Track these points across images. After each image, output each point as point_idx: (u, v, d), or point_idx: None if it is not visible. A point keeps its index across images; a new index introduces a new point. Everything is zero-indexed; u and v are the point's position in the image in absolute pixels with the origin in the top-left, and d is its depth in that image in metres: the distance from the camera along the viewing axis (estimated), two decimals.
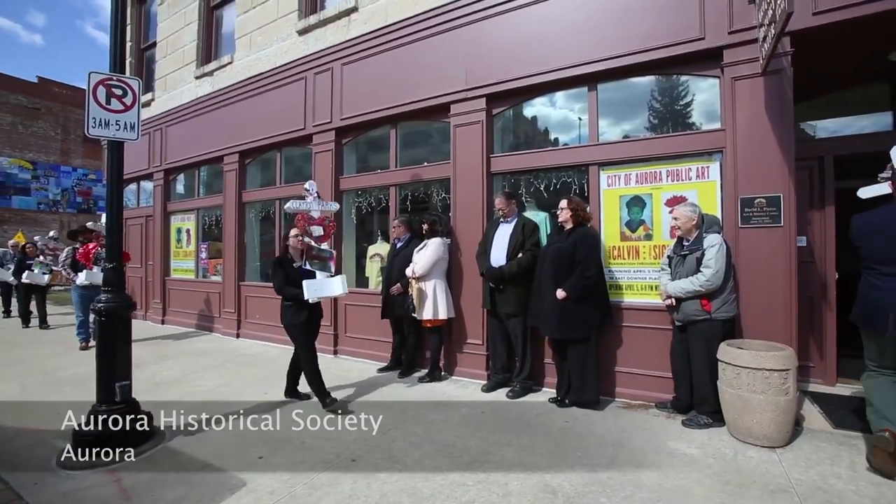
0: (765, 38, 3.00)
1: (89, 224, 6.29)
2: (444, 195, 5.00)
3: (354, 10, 5.54)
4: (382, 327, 5.06)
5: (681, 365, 3.48)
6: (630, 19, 3.90)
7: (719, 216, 3.60)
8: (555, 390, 3.95)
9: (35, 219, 23.70)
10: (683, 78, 3.99)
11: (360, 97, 5.43)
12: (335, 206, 4.57)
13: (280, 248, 3.96)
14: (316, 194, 4.22)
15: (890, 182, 2.75)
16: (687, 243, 3.42)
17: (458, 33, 4.72)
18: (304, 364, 3.79)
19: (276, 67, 6.29)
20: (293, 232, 3.92)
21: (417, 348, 4.76)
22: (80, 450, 2.83)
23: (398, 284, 4.56)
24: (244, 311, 6.86)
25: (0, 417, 3.57)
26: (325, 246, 4.14)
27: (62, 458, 2.82)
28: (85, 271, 5.92)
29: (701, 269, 3.25)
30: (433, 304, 4.32)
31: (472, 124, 4.62)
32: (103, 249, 5.65)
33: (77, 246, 6.26)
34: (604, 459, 2.80)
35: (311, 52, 5.90)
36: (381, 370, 4.84)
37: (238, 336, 6.83)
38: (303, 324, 3.74)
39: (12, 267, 8.76)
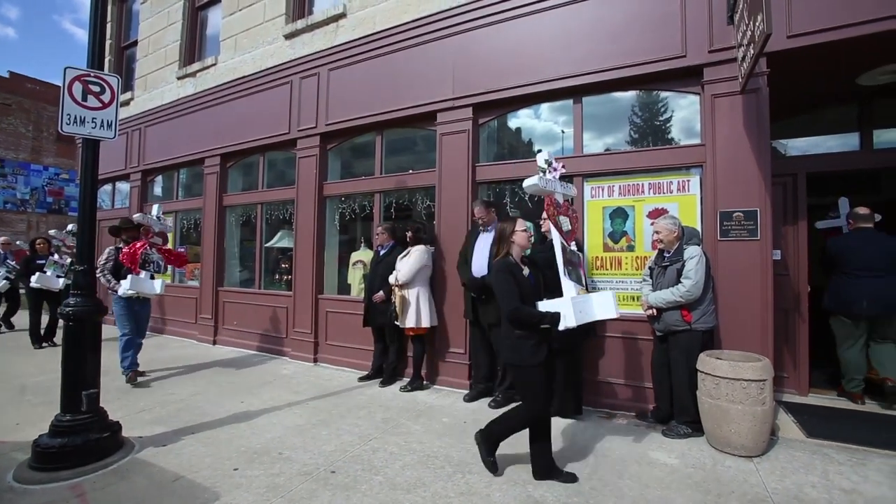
0: (743, 57, 3.11)
1: (136, 216, 4.95)
2: (428, 203, 4.99)
3: (343, 16, 5.53)
4: (364, 335, 4.99)
5: (661, 375, 3.52)
6: (616, 35, 3.99)
7: (699, 229, 3.68)
8: None
9: (1, 218, 22.76)
10: (665, 94, 4.09)
11: (347, 103, 5.40)
12: (574, 190, 3.58)
13: (502, 247, 2.74)
14: (561, 169, 2.96)
15: (847, 222, 4.23)
16: (668, 255, 3.48)
17: (446, 43, 4.76)
18: (531, 421, 2.64)
19: (262, 70, 6.22)
20: (520, 224, 2.72)
21: (399, 357, 4.70)
22: (40, 463, 2.69)
23: (381, 292, 4.51)
24: (222, 318, 6.68)
25: None
26: (574, 247, 3.03)
27: (21, 472, 2.67)
28: (130, 277, 4.59)
29: (681, 279, 3.31)
30: (416, 312, 4.28)
31: (459, 133, 4.64)
32: (153, 249, 4.85)
33: (120, 245, 4.94)
34: (586, 469, 2.79)
35: (297, 57, 5.86)
36: (362, 379, 4.76)
37: (215, 343, 6.64)
38: (544, 364, 2.59)
39: (2, 270, 7.38)
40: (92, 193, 3.14)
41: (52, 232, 7.13)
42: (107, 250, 4.96)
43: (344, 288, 5.73)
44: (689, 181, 3.85)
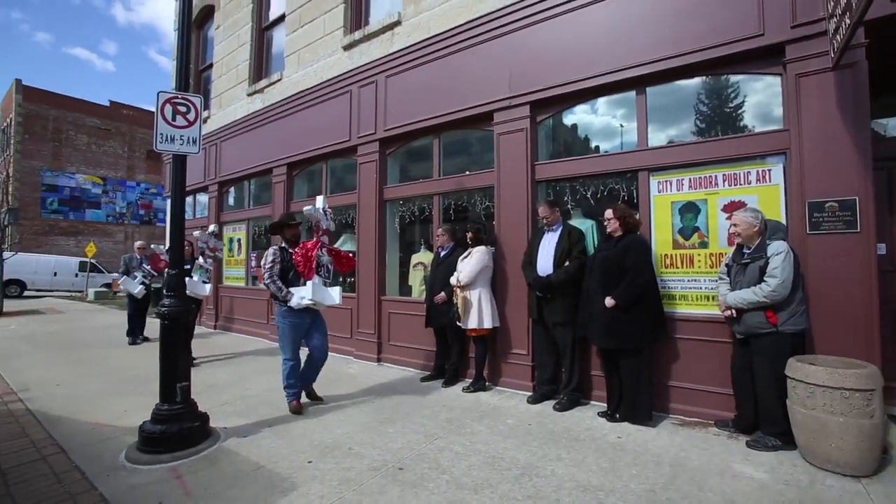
0: (836, 29, 2.80)
1: (306, 209, 4.00)
2: (487, 203, 4.97)
3: (398, 23, 5.67)
4: (426, 336, 5.07)
5: (743, 381, 3.25)
6: (682, 18, 3.76)
7: (784, 222, 3.36)
8: (604, 404, 3.81)
9: (104, 230, 25.86)
10: (738, 77, 3.79)
11: (404, 108, 5.53)
12: None
13: None
14: None
15: None
16: (748, 251, 3.22)
17: (501, 42, 4.73)
18: None
19: (323, 82, 6.53)
20: None
21: (461, 357, 4.72)
22: (145, 446, 3.01)
23: (442, 293, 4.55)
24: None
25: (79, 412, 3.86)
26: None
27: (130, 453, 3.01)
28: (311, 284, 3.79)
29: (765, 278, 3.04)
30: (478, 312, 4.28)
31: (516, 132, 4.59)
32: (324, 251, 3.96)
33: (284, 245, 4.08)
34: (661, 479, 2.64)
35: (355, 67, 6.08)
36: (424, 379, 4.83)
37: None
38: None
39: (139, 275, 7.10)
40: (181, 203, 3.45)
41: (196, 234, 6.43)
42: (271, 251, 3.99)
43: (405, 289, 5.86)
44: (770, 170, 3.53)
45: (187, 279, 5.60)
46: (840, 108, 3.16)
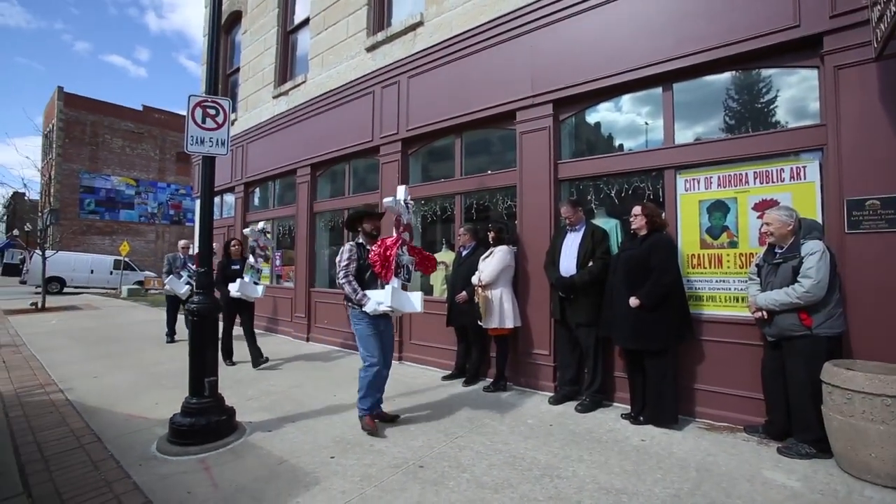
0: (880, 17, 2.67)
1: (386, 201, 3.63)
2: (509, 203, 4.94)
3: (420, 24, 5.70)
4: (447, 335, 5.08)
5: (774, 385, 3.14)
6: (712, 11, 3.65)
7: (819, 221, 3.23)
8: (627, 406, 3.73)
9: (137, 230, 26.93)
10: (771, 71, 3.66)
11: (426, 108, 5.55)
12: None
13: None
14: None
15: None
16: (780, 251, 3.10)
17: (523, 40, 4.69)
18: None
19: (346, 83, 6.61)
20: None
21: (482, 357, 4.71)
22: (175, 437, 3.11)
23: (464, 292, 4.55)
24: (314, 316, 7.20)
25: (114, 404, 4.02)
26: None
27: (161, 444, 3.12)
28: (390, 289, 3.34)
29: (799, 279, 2.92)
30: (499, 312, 4.26)
31: (539, 131, 4.55)
32: (405, 249, 3.50)
33: (361, 240, 3.60)
34: (687, 484, 2.57)
35: (378, 68, 6.14)
36: (445, 378, 4.84)
37: (308, 340, 7.18)
38: None
39: (184, 275, 6.93)
40: (210, 203, 3.57)
41: (246, 231, 6.01)
42: (347, 247, 3.49)
43: (427, 288, 5.88)
44: (804, 167, 3.39)
45: (238, 280, 5.46)
46: (883, 101, 3.01)
